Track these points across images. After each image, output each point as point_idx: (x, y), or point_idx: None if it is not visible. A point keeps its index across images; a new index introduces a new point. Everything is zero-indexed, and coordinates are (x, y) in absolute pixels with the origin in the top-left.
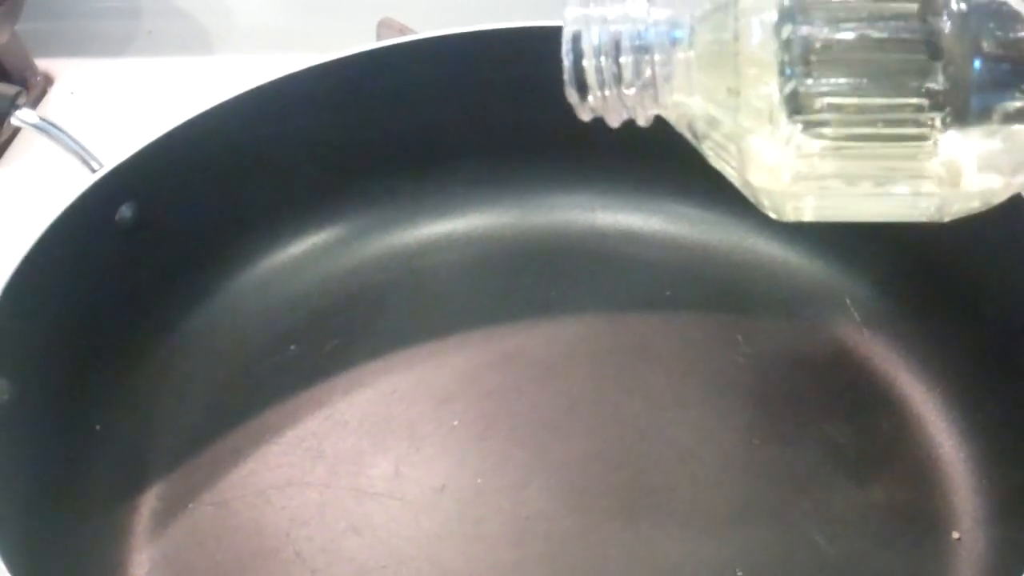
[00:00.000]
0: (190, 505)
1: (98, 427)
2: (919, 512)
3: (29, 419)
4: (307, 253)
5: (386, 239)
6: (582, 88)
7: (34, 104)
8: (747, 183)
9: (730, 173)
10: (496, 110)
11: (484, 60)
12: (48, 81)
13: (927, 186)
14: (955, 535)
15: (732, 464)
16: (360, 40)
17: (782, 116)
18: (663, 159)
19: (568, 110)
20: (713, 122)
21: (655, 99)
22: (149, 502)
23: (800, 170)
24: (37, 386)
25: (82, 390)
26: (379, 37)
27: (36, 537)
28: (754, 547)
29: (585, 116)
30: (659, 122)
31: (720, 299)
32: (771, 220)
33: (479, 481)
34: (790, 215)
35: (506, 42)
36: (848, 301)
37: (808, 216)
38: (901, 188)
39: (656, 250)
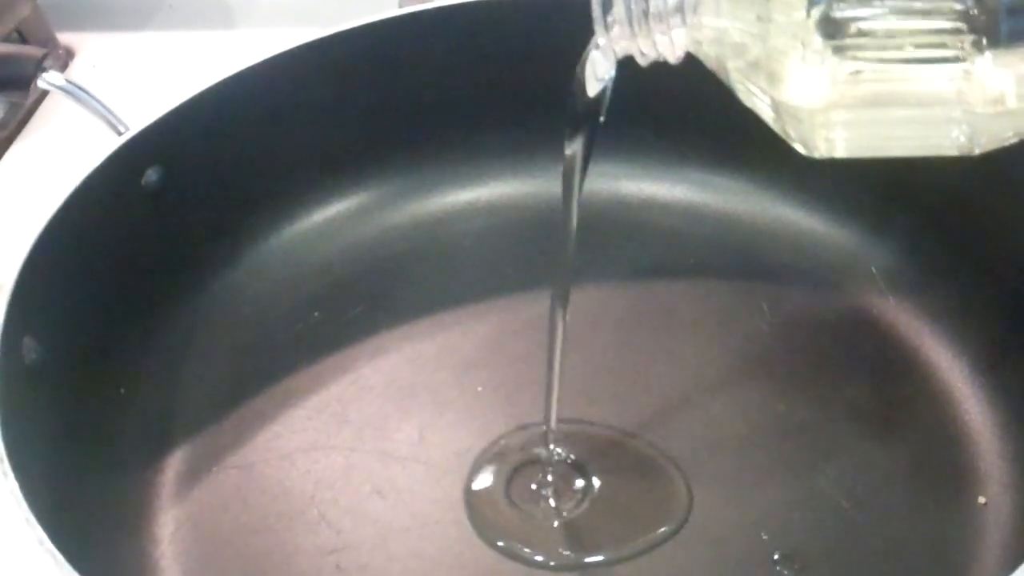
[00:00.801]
0: (215, 468)
1: (123, 390)
2: (945, 477)
3: (56, 381)
4: (331, 220)
5: (410, 207)
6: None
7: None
8: (778, 113)
9: (760, 107)
10: (520, 78)
11: (508, 28)
12: (70, 55)
13: (959, 112)
14: (981, 500)
15: (757, 430)
16: (382, 9)
17: (814, 39)
18: (687, 128)
19: None
20: (743, 50)
21: (683, 22)
22: (174, 465)
23: (832, 95)
24: (64, 348)
25: (108, 353)
26: (401, 5)
27: (63, 498)
28: (779, 511)
29: (609, 53)
30: (684, 91)
31: (745, 267)
32: (796, 188)
33: (502, 443)
34: (821, 148)
35: (531, 9)
36: (873, 268)
37: (840, 150)
38: (934, 113)
39: (680, 219)
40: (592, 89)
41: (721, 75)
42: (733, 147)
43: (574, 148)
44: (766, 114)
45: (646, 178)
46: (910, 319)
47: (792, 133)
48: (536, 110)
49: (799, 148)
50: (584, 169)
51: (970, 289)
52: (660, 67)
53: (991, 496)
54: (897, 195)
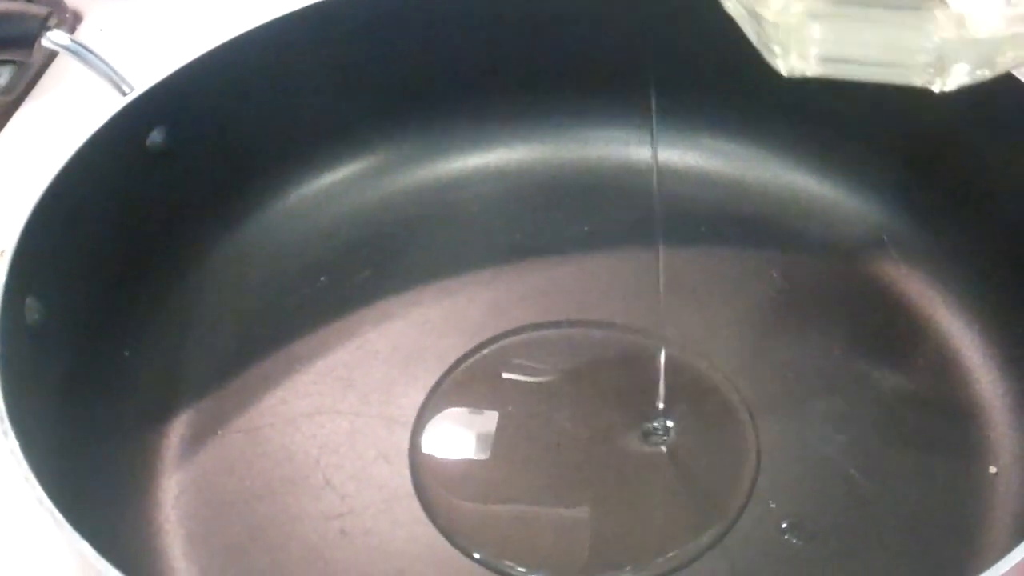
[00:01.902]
0: (219, 432)
1: (127, 353)
2: (956, 447)
3: (58, 342)
4: (339, 184)
5: (419, 171)
6: None
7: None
8: (753, 13)
9: (740, 13)
10: (529, 42)
11: None
12: (77, 18)
13: (927, 30)
14: (992, 470)
15: (766, 398)
16: None
17: None
18: (698, 94)
19: (604, 44)
20: None
21: None
22: (178, 429)
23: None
24: (66, 309)
25: (111, 316)
26: None
27: (65, 460)
28: (788, 480)
29: None
30: (696, 57)
31: (756, 235)
32: (808, 155)
33: (510, 409)
34: (795, 62)
35: None
36: (885, 237)
37: (812, 63)
38: (903, 22)
39: (691, 185)
40: None
41: None
42: (745, 114)
43: None
44: (744, 22)
45: (658, 145)
46: (922, 288)
47: (766, 40)
48: (546, 75)
49: (777, 65)
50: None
51: (983, 258)
52: (671, 32)
53: (1002, 466)
54: (910, 163)
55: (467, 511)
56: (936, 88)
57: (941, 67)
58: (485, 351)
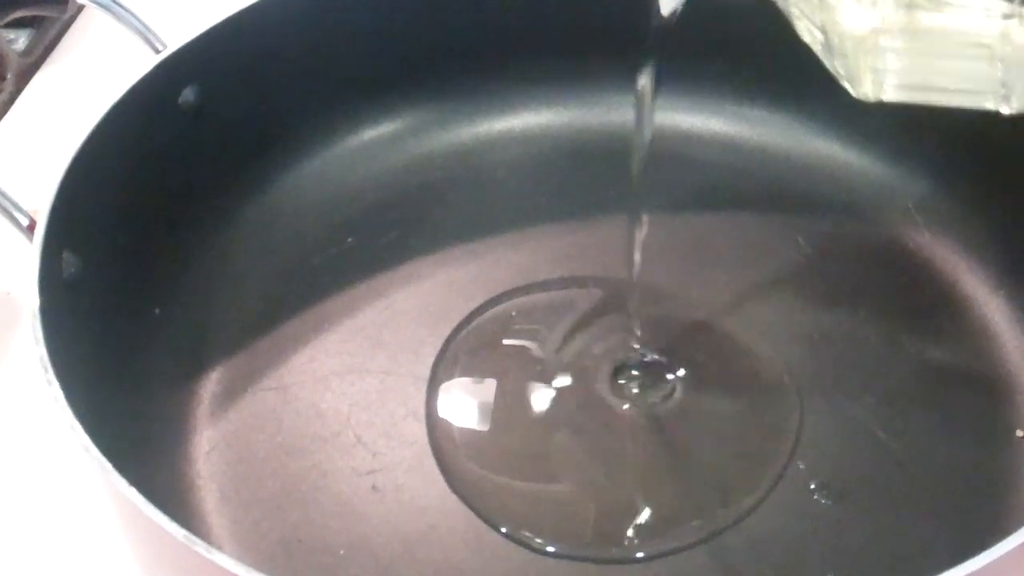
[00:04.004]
0: (250, 389)
1: (158, 311)
2: (982, 410)
3: (93, 296)
4: (366, 146)
5: (444, 135)
6: None
7: None
8: (828, 45)
9: (813, 38)
10: (557, 7)
11: None
12: None
13: (1001, 57)
14: (1019, 433)
15: (791, 361)
16: None
17: None
18: (723, 60)
19: (627, 9)
20: None
21: None
22: (209, 386)
23: (878, 21)
24: (101, 264)
25: (143, 273)
26: None
27: (99, 412)
28: (815, 441)
29: None
30: (721, 23)
31: (780, 200)
32: (832, 121)
33: (538, 368)
34: (867, 86)
35: None
36: (909, 202)
37: (885, 89)
38: (977, 53)
39: (715, 151)
40: (666, 8)
41: (779, 3)
42: (770, 80)
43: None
44: (817, 48)
45: (680, 110)
46: (947, 253)
47: (840, 68)
48: (573, 40)
49: (848, 87)
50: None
51: (1008, 222)
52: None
53: None
54: (934, 128)
55: (486, 478)
56: (1005, 111)
57: (1008, 90)
58: (499, 310)
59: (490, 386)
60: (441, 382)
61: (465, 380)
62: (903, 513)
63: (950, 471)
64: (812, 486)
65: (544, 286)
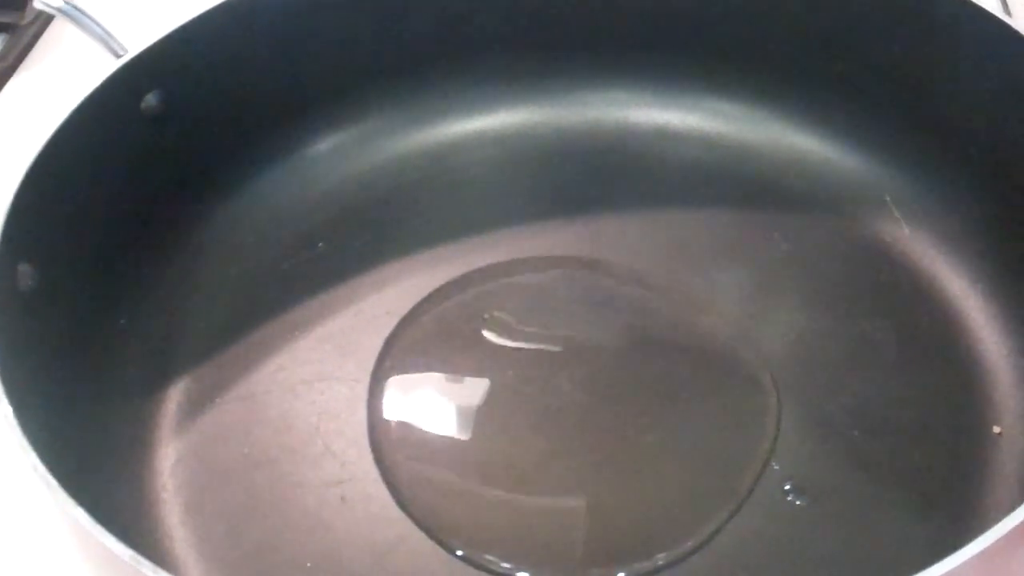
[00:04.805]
0: (217, 399)
1: (123, 321)
2: (960, 407)
3: (54, 309)
4: (336, 149)
5: (416, 136)
6: None
7: None
8: None
9: None
10: (529, 4)
11: None
12: None
13: None
14: (996, 430)
15: (768, 360)
16: None
17: None
18: (700, 55)
19: (600, 6)
20: None
21: None
22: (176, 396)
23: None
24: (61, 276)
25: (107, 282)
26: None
27: (62, 430)
28: (790, 442)
29: None
30: (696, 16)
31: (757, 196)
32: (810, 116)
33: (510, 373)
34: None
35: None
36: (887, 197)
37: None
38: None
39: (692, 147)
40: None
41: None
42: (746, 75)
43: None
44: None
45: (656, 106)
46: (924, 248)
47: None
48: (546, 38)
49: None
50: None
51: (986, 217)
52: None
53: (1006, 426)
54: (911, 123)
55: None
56: None
57: None
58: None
59: (434, 386)
60: (382, 392)
61: (402, 381)
62: (879, 513)
63: (927, 470)
64: (787, 487)
65: (508, 272)
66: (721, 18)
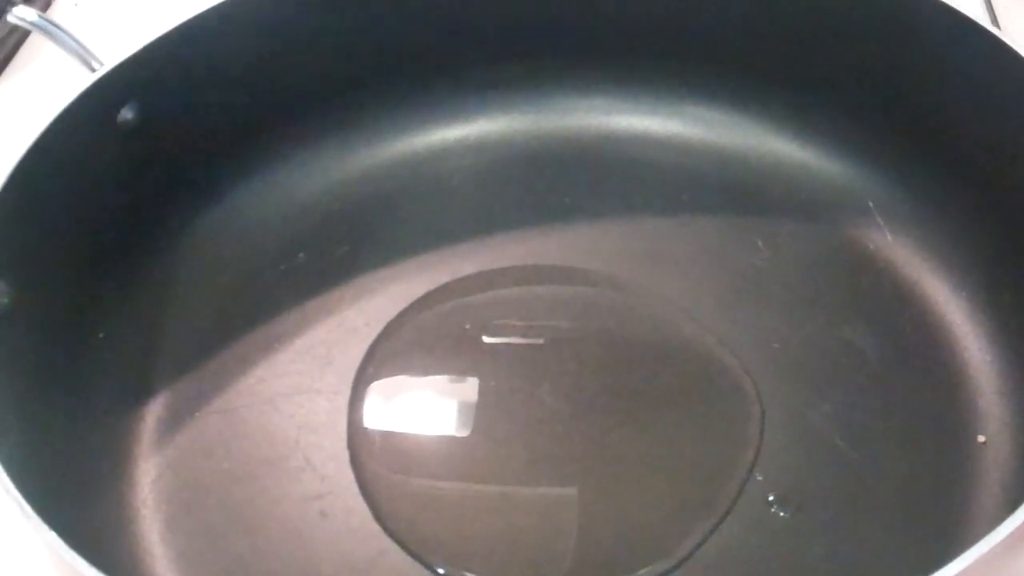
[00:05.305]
0: (197, 413)
1: (102, 335)
2: (944, 415)
3: (30, 325)
4: (315, 158)
5: (396, 145)
6: None
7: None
8: None
9: None
10: (507, 11)
11: None
12: None
13: None
14: (981, 439)
15: (749, 368)
16: None
17: None
18: (679, 60)
19: (580, 13)
20: None
21: None
22: (155, 411)
23: None
24: (38, 291)
25: (85, 296)
26: None
27: (39, 447)
28: (773, 451)
29: None
30: (676, 21)
31: (738, 203)
32: (791, 121)
33: (491, 384)
34: None
35: None
36: (870, 203)
37: None
38: None
39: (672, 154)
40: None
41: None
42: (728, 80)
43: None
44: None
45: (637, 112)
46: (908, 254)
47: None
48: (525, 45)
49: None
50: None
51: (969, 223)
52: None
53: (990, 434)
54: (894, 128)
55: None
56: None
57: None
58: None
59: (415, 398)
60: (362, 404)
61: (382, 392)
62: (863, 524)
63: (911, 479)
64: (770, 498)
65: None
66: (703, 23)
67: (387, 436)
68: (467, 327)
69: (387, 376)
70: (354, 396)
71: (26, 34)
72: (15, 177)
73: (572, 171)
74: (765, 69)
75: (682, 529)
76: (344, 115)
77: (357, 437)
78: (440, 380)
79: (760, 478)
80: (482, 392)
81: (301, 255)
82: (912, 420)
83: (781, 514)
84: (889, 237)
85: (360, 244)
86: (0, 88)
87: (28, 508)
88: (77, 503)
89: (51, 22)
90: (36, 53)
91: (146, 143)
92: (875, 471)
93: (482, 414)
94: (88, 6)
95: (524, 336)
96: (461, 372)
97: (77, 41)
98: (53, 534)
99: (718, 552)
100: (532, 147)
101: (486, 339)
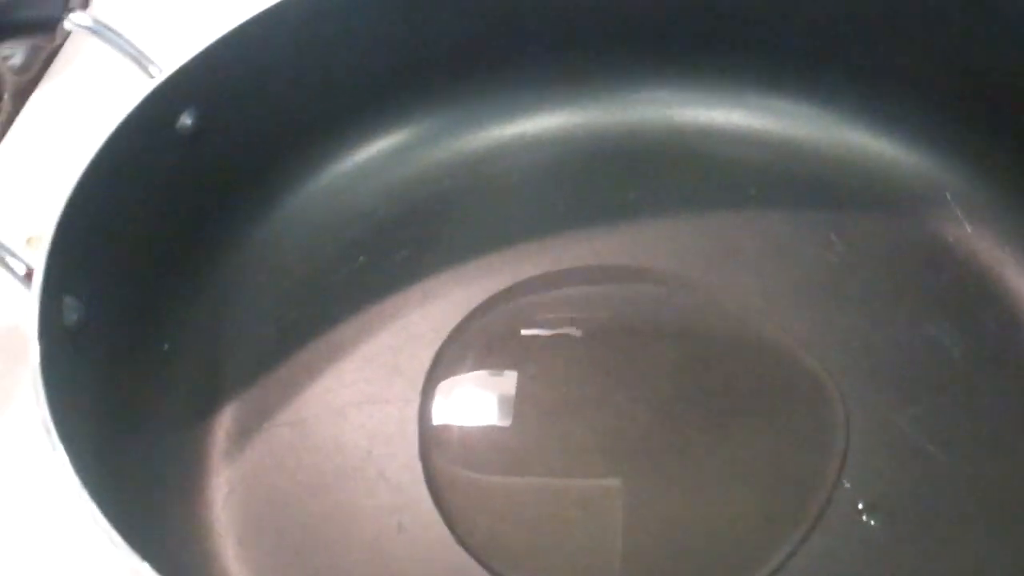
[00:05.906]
0: (266, 425)
1: (166, 347)
2: None
3: (99, 341)
4: (373, 160)
5: (454, 143)
6: None
7: (81, 8)
8: None
9: None
10: (563, 3)
11: None
12: None
13: None
14: None
15: (830, 370)
16: None
17: None
18: (743, 49)
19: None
20: None
21: None
22: (224, 424)
23: None
24: (104, 305)
25: (149, 308)
26: None
27: (110, 462)
28: (861, 457)
29: None
30: (738, 9)
31: (809, 196)
32: (862, 109)
33: (564, 390)
34: None
35: None
36: (948, 194)
37: None
38: None
39: (738, 146)
40: None
41: None
42: (793, 68)
43: None
44: None
45: (700, 104)
46: (990, 247)
47: None
48: (584, 37)
49: None
50: None
51: None
52: None
53: None
54: (971, 116)
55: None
56: None
57: None
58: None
59: (486, 407)
60: (432, 413)
61: (452, 400)
62: (957, 531)
63: (1005, 484)
64: (860, 507)
65: (554, 283)
66: (769, 9)
67: (460, 445)
68: (534, 330)
69: (456, 382)
70: (423, 404)
71: (68, 32)
72: (81, 191)
73: (634, 167)
74: (836, 56)
75: (772, 540)
76: (398, 115)
77: (429, 447)
78: (511, 385)
79: (848, 485)
80: (556, 397)
81: (362, 258)
82: (1002, 420)
83: (872, 523)
84: (968, 229)
85: (420, 247)
86: (45, 87)
87: (118, 538)
88: (150, 523)
89: (108, 27)
90: (77, 51)
91: (204, 150)
92: (967, 475)
93: (557, 421)
94: (125, 6)
95: (595, 339)
96: (532, 377)
97: (134, 46)
98: (146, 565)
99: (809, 563)
100: (592, 143)
101: (555, 343)
